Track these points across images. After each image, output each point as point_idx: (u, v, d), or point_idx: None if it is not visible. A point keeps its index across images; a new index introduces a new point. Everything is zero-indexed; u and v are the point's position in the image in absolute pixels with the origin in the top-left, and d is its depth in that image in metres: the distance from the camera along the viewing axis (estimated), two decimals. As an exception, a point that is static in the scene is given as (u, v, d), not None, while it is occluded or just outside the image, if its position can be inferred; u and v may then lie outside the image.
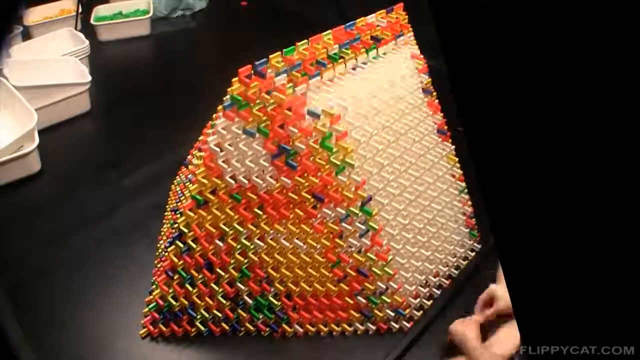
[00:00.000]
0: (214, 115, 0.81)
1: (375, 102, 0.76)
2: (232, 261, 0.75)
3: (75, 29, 1.58)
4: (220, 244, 0.74)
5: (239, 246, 0.74)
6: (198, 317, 0.78)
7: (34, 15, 1.62)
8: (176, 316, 0.79)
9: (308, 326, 0.80)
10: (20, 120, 1.11)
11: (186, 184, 0.94)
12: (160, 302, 0.78)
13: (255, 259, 0.75)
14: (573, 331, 0.24)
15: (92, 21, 1.64)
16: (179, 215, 0.81)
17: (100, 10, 1.71)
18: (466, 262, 0.89)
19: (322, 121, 0.70)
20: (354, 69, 0.77)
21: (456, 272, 0.87)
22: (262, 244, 0.74)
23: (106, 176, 1.09)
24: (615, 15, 0.19)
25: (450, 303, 0.82)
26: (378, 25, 0.83)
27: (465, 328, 0.71)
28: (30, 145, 1.06)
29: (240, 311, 0.78)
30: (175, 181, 1.03)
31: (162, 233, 0.94)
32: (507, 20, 0.21)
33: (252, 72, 0.66)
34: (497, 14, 0.21)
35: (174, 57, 1.63)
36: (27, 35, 1.57)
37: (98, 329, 0.80)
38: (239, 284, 0.76)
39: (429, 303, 0.82)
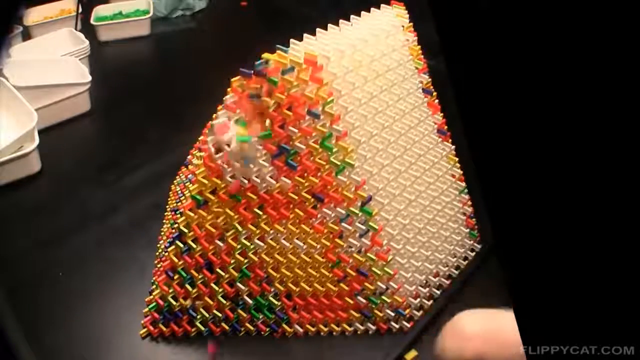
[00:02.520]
0: (213, 115, 0.81)
1: (375, 101, 0.76)
2: (232, 261, 0.75)
3: (75, 29, 1.58)
4: (221, 244, 0.74)
5: (239, 246, 0.74)
6: (198, 317, 0.78)
7: (34, 15, 1.62)
8: (176, 316, 0.79)
9: (308, 326, 0.80)
10: (20, 120, 1.11)
11: (186, 184, 0.94)
12: (160, 302, 0.78)
13: (255, 259, 0.75)
14: (573, 331, 0.24)
15: (92, 21, 1.64)
16: (179, 216, 0.81)
17: (100, 10, 1.71)
18: (466, 262, 0.89)
19: (322, 121, 0.70)
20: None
21: (456, 272, 0.87)
22: (262, 244, 0.74)
23: (106, 176, 1.10)
24: (616, 15, 0.19)
25: (451, 303, 0.82)
26: None
27: None
28: (30, 145, 1.06)
29: (240, 311, 0.78)
30: (175, 181, 1.03)
31: (162, 233, 0.94)
32: (507, 20, 0.21)
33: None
34: (497, 14, 0.21)
35: (174, 57, 1.63)
36: (27, 35, 1.57)
37: (98, 329, 0.80)
38: (239, 284, 0.76)
39: (429, 303, 0.82)
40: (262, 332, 0.79)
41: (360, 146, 0.73)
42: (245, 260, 0.75)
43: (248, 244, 0.74)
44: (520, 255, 0.24)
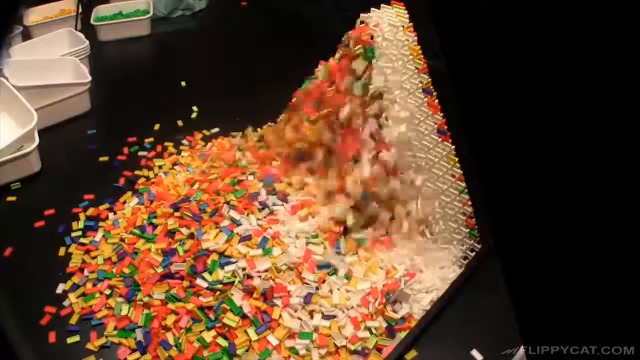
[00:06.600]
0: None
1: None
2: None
3: (75, 29, 1.57)
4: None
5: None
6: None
7: (34, 15, 1.62)
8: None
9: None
10: (20, 120, 1.11)
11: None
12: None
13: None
14: (573, 331, 0.24)
15: (92, 21, 1.64)
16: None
17: (100, 10, 1.71)
18: (466, 262, 0.89)
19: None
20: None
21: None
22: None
23: (106, 176, 1.09)
24: (614, 14, 0.19)
25: (450, 303, 0.82)
26: None
27: None
28: (30, 145, 1.06)
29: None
30: (175, 181, 1.02)
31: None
32: (507, 20, 0.21)
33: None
34: (497, 14, 0.21)
35: (174, 57, 1.63)
36: (27, 35, 1.57)
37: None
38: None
39: (429, 303, 0.82)
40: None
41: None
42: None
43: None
44: (520, 256, 0.24)
